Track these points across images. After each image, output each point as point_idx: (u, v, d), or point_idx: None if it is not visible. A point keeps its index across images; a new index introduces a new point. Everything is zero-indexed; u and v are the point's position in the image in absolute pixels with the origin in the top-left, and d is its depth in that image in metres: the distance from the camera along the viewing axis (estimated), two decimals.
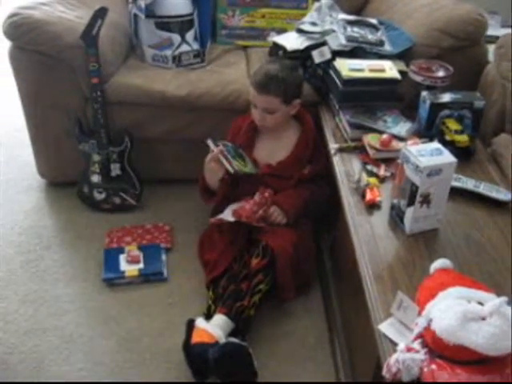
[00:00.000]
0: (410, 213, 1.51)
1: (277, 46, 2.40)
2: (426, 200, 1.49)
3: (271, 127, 2.09)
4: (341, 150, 1.93)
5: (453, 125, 1.87)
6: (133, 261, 2.16)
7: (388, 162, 1.83)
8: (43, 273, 2.17)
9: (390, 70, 2.10)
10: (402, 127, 1.99)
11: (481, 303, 1.14)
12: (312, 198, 2.11)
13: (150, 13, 2.40)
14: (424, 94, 1.93)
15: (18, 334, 1.93)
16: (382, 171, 1.79)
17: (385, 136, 1.88)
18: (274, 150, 2.14)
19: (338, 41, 2.25)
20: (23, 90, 2.32)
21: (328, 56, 2.22)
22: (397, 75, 2.08)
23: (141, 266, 2.16)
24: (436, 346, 1.13)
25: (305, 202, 2.09)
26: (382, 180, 1.76)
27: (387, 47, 2.27)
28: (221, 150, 2.00)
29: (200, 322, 1.82)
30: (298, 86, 2.07)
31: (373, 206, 1.65)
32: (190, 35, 2.52)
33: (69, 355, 1.87)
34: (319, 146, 2.12)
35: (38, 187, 2.61)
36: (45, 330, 1.95)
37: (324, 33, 2.32)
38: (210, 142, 2.02)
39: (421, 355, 1.14)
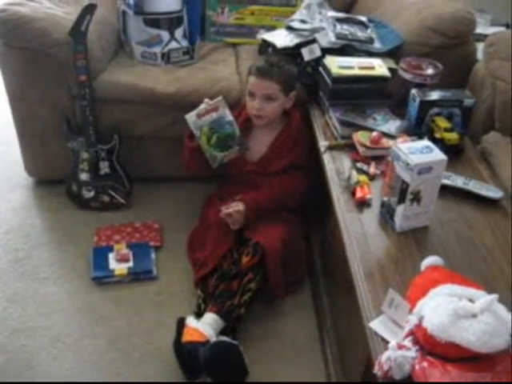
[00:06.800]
0: (400, 210, 1.51)
1: (266, 44, 2.39)
2: (417, 198, 1.49)
3: (269, 118, 2.08)
4: (331, 148, 1.93)
5: (442, 123, 1.87)
6: (122, 259, 2.15)
7: (378, 159, 1.83)
8: (31, 272, 2.15)
9: (379, 67, 2.10)
10: (392, 125, 1.99)
11: (472, 300, 1.14)
12: (284, 189, 2.09)
13: (138, 9, 2.38)
14: (413, 91, 1.93)
15: (6, 334, 1.92)
16: (372, 169, 1.79)
17: (375, 134, 1.88)
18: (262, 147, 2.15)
19: (327, 38, 2.25)
20: (10, 87, 2.30)
21: (318, 53, 2.22)
22: (386, 73, 2.08)
23: (130, 264, 2.15)
24: (427, 344, 1.13)
25: (271, 193, 2.07)
26: (372, 178, 1.76)
27: (377, 45, 2.28)
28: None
29: (190, 321, 1.82)
30: (294, 77, 2.12)
31: (363, 204, 1.65)
32: (179, 32, 2.50)
33: (57, 355, 1.86)
34: (302, 139, 2.12)
35: (26, 185, 2.59)
36: (33, 330, 1.94)
37: (313, 30, 2.32)
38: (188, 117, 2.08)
39: (412, 353, 1.14)
